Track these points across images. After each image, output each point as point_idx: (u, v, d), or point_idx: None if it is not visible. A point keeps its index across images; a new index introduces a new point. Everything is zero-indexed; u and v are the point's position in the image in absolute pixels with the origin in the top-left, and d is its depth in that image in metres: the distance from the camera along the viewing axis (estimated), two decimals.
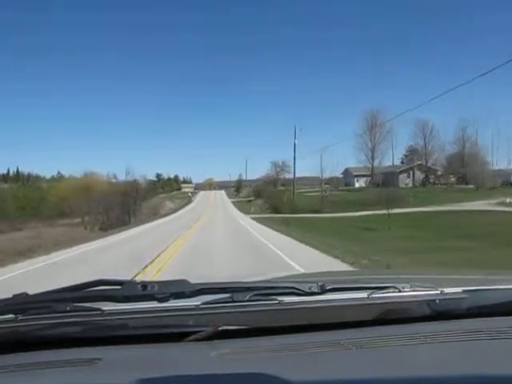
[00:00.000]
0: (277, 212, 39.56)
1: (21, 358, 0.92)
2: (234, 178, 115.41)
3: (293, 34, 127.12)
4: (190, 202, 70.33)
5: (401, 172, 61.86)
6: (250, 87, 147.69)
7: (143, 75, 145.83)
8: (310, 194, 55.09)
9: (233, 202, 65.34)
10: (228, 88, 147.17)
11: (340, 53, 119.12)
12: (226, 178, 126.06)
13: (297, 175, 53.84)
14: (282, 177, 76.16)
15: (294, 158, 52.64)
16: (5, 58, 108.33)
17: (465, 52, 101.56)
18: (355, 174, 72.03)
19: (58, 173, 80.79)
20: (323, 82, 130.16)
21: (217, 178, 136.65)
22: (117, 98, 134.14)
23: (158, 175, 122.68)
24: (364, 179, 67.41)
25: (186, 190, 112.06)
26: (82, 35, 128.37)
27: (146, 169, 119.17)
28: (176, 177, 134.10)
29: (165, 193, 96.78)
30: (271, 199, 48.19)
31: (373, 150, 61.89)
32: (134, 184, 46.06)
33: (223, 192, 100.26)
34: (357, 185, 69.08)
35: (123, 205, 38.49)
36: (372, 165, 62.17)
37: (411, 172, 61.99)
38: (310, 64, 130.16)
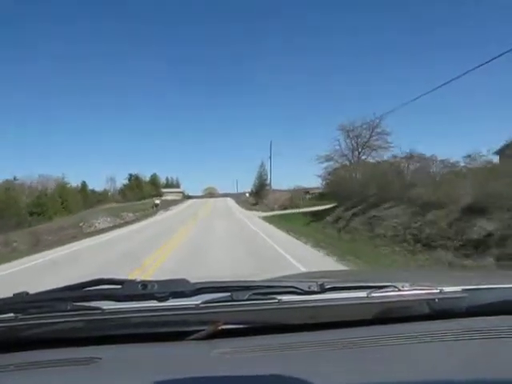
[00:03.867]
0: None
1: (21, 357, 0.91)
2: (242, 189, 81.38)
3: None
4: (149, 216, 36.07)
5: None
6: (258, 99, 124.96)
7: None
8: None
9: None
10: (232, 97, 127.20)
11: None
12: (231, 191, 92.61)
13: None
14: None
15: None
16: None
17: None
18: None
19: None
20: None
21: (221, 190, 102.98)
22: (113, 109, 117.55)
23: (131, 176, 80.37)
24: None
25: (169, 197, 70.68)
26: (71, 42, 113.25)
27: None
28: (154, 177, 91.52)
29: (128, 201, 54.51)
30: None
31: None
32: None
33: (228, 199, 58.54)
34: None
35: None
36: None
37: None
38: None
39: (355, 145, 34.28)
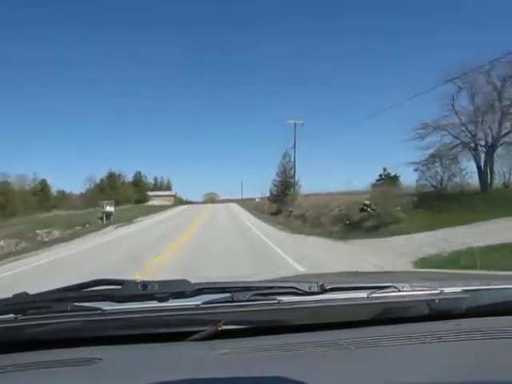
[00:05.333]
0: None
1: (21, 358, 0.91)
2: (248, 194, 68.18)
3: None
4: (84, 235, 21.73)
5: None
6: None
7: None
8: None
9: None
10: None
11: None
12: (235, 195, 79.95)
13: None
14: None
15: None
16: None
17: None
18: None
19: None
20: None
21: (223, 195, 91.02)
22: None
23: (111, 175, 64.60)
24: None
25: (156, 202, 56.41)
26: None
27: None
28: (138, 177, 74.93)
29: (92, 206, 39.60)
30: None
31: None
32: None
33: (234, 206, 43.49)
34: None
35: None
36: None
37: None
38: None
39: (491, 103, 18.00)
